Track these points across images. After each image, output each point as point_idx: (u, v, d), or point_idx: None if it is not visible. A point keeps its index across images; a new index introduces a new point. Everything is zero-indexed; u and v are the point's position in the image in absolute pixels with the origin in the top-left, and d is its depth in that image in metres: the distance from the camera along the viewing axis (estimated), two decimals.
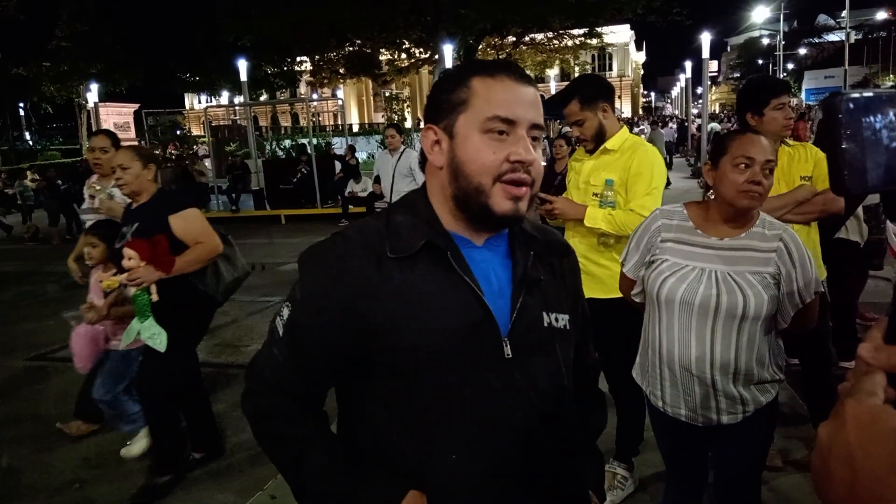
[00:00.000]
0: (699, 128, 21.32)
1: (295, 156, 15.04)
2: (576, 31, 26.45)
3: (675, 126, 25.38)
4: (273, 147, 17.26)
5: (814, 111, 19.19)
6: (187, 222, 3.24)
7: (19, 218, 15.43)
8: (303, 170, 13.81)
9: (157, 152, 17.60)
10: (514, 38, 25.90)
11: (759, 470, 2.12)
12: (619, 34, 55.54)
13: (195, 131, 32.24)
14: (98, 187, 4.19)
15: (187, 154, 17.05)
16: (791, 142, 2.97)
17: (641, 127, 27.99)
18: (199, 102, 48.94)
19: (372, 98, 57.47)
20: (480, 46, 24.40)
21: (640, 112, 67.71)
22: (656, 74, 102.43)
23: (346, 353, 1.10)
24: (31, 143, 38.96)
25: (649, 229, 2.04)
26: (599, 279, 2.80)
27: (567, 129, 17.14)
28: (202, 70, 31.23)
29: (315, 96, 33.08)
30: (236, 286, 3.74)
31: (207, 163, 16.10)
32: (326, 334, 1.10)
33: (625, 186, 2.78)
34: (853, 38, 44.28)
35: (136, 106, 24.21)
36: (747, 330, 1.88)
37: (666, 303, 1.94)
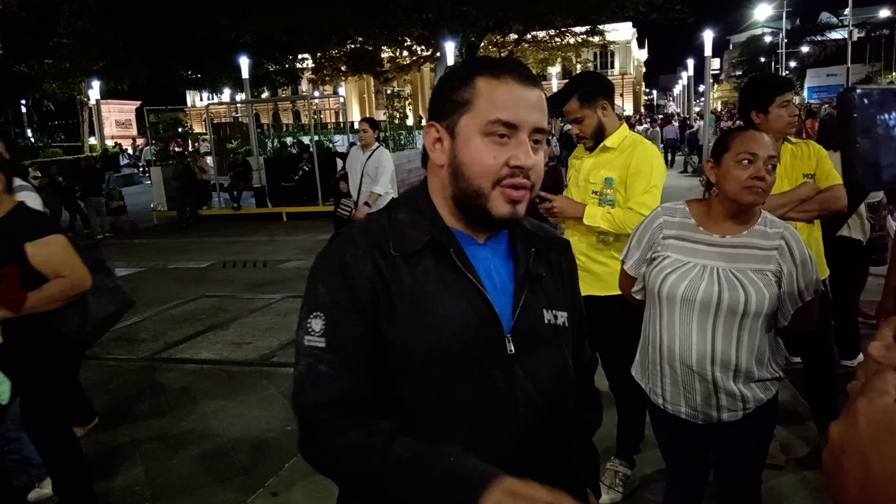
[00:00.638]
0: (695, 131, 21.31)
1: (296, 153, 15.02)
2: (578, 29, 26.41)
3: (676, 124, 25.33)
4: (275, 144, 17.22)
5: (823, 109, 19.17)
6: (47, 251, 2.71)
7: None
8: (304, 167, 13.81)
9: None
10: (515, 36, 25.86)
11: (760, 467, 2.13)
12: (621, 32, 55.39)
13: (197, 128, 32.26)
14: None
15: (189, 151, 17.03)
16: (794, 139, 2.96)
17: (645, 125, 27.93)
18: (201, 100, 48.94)
19: (374, 95, 57.45)
20: (482, 44, 24.37)
21: (643, 110, 67.65)
22: (658, 72, 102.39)
23: (375, 346, 1.09)
24: (32, 140, 38.93)
25: (651, 226, 2.04)
26: (599, 276, 2.80)
27: (568, 126, 17.15)
28: (204, 67, 31.21)
29: (317, 94, 33.08)
30: (113, 322, 3.29)
31: (209, 160, 16.09)
32: (364, 323, 1.08)
33: (624, 184, 2.78)
34: (856, 35, 44.15)
35: (138, 103, 24.27)
36: (748, 327, 1.88)
37: (667, 300, 1.94)
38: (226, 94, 34.30)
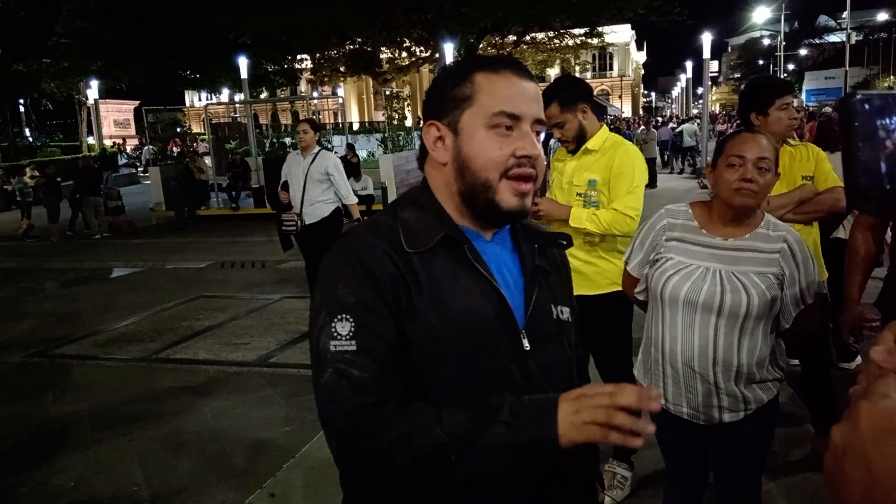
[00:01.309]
0: (679, 132, 21.30)
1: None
2: (576, 31, 26.43)
3: (675, 125, 25.36)
4: (276, 143, 17.21)
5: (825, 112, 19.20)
6: None
7: (18, 214, 15.43)
8: None
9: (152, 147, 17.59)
10: (514, 37, 25.87)
11: (760, 468, 2.13)
12: (619, 34, 55.54)
13: (195, 129, 32.24)
14: None
15: (187, 151, 17.01)
16: (793, 141, 2.97)
17: (642, 127, 27.96)
18: (200, 100, 48.89)
19: (372, 96, 57.48)
20: (481, 45, 24.38)
21: (641, 112, 67.68)
22: (657, 74, 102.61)
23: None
24: (30, 139, 38.89)
25: (654, 228, 2.05)
26: (587, 276, 2.83)
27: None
28: (203, 67, 31.19)
29: (315, 94, 33.08)
30: None
31: (207, 160, 16.08)
32: (391, 316, 1.05)
33: (607, 185, 2.81)
34: (854, 39, 44.27)
35: (137, 103, 24.23)
36: (750, 329, 1.89)
37: (670, 301, 1.95)
38: (224, 95, 34.27)
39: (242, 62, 17.32)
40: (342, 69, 27.82)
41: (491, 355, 1.08)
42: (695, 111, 32.75)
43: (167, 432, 4.02)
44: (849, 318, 2.54)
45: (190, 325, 6.33)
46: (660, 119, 33.58)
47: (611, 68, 69.30)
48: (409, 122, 22.84)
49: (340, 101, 24.48)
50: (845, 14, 37.82)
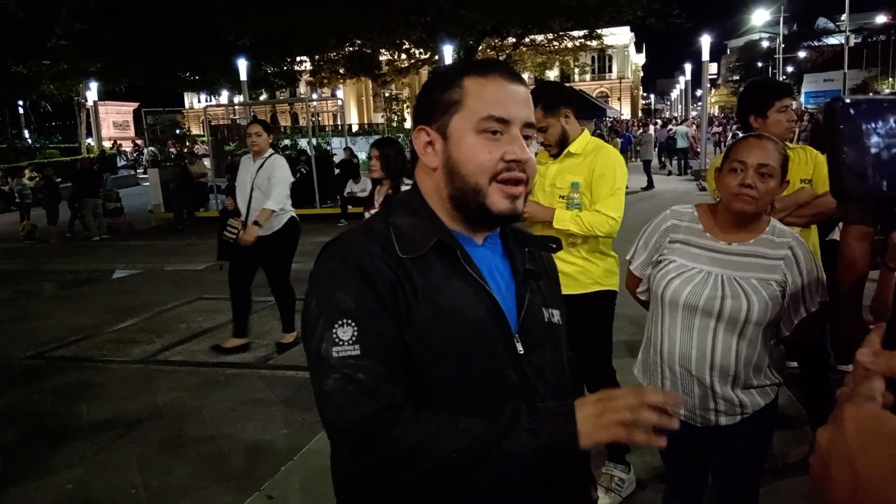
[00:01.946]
0: (672, 134, 21.33)
1: (294, 157, 15.00)
2: (576, 33, 26.44)
3: (671, 127, 25.40)
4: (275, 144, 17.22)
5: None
6: None
7: (17, 216, 15.42)
8: (302, 170, 13.80)
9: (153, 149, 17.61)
10: (513, 40, 25.89)
11: (759, 470, 2.13)
12: (618, 36, 55.50)
13: (194, 130, 32.22)
14: None
15: (185, 153, 16.99)
16: (791, 144, 2.97)
17: (639, 129, 28.00)
18: (199, 102, 48.87)
19: (371, 98, 57.42)
20: (480, 47, 24.40)
21: (640, 114, 67.73)
22: (656, 77, 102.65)
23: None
24: (29, 141, 38.87)
25: (659, 229, 2.05)
26: (570, 276, 2.86)
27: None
28: (202, 69, 31.18)
29: (315, 96, 33.06)
30: None
31: (207, 162, 16.07)
32: (395, 323, 1.04)
33: (590, 188, 2.88)
34: (852, 41, 44.35)
35: (136, 105, 24.21)
36: (748, 335, 1.88)
37: (670, 303, 1.95)
38: (224, 97, 34.27)
39: (242, 64, 17.33)
40: (341, 71, 27.81)
41: (487, 359, 1.08)
42: (693, 113, 32.75)
43: (166, 434, 4.02)
44: (848, 334, 2.51)
45: (189, 327, 6.33)
46: (659, 121, 33.58)
47: (610, 70, 69.32)
48: (408, 124, 22.83)
49: (340, 102, 24.52)
50: (844, 16, 37.89)
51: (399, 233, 1.10)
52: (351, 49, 26.08)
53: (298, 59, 29.95)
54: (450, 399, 1.06)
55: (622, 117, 48.22)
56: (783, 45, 45.65)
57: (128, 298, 7.63)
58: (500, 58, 21.10)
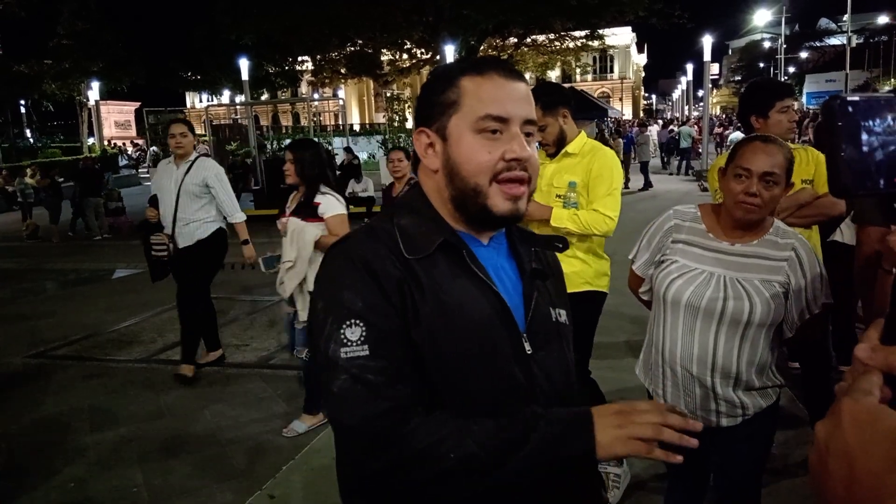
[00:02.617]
0: (674, 134, 21.33)
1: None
2: (577, 33, 26.43)
3: (674, 128, 25.41)
4: (274, 146, 17.22)
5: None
6: None
7: (19, 215, 15.44)
8: None
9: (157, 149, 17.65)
10: (515, 40, 25.89)
11: (760, 472, 2.12)
12: (620, 36, 55.54)
13: (196, 130, 32.20)
14: None
15: None
16: (792, 145, 2.97)
17: (636, 129, 28.02)
18: (201, 101, 48.95)
19: (373, 98, 57.48)
20: (482, 47, 24.40)
21: (641, 115, 67.68)
22: (657, 77, 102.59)
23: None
24: (31, 140, 38.94)
25: (662, 228, 2.04)
26: (565, 275, 2.86)
27: None
28: (203, 69, 31.21)
29: (316, 96, 33.09)
30: None
31: None
32: (402, 320, 1.03)
33: (586, 188, 2.92)
34: (854, 41, 44.34)
35: (138, 104, 24.24)
36: (751, 336, 1.87)
37: (672, 304, 1.94)
38: (225, 96, 34.31)
39: (243, 63, 17.35)
40: (343, 71, 27.83)
41: (494, 358, 1.08)
42: (695, 113, 32.74)
43: (167, 433, 4.02)
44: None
45: None
46: (660, 122, 33.59)
47: (611, 70, 69.34)
48: (409, 124, 22.82)
49: (341, 102, 24.52)
50: (846, 17, 37.83)
51: (404, 233, 1.09)
52: (352, 49, 26.09)
53: (300, 58, 29.98)
54: (457, 398, 1.05)
55: (623, 118, 48.20)
56: (785, 46, 45.59)
57: (129, 298, 7.63)
58: (502, 57, 21.11)
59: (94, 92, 25.01)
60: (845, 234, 4.13)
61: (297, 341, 3.90)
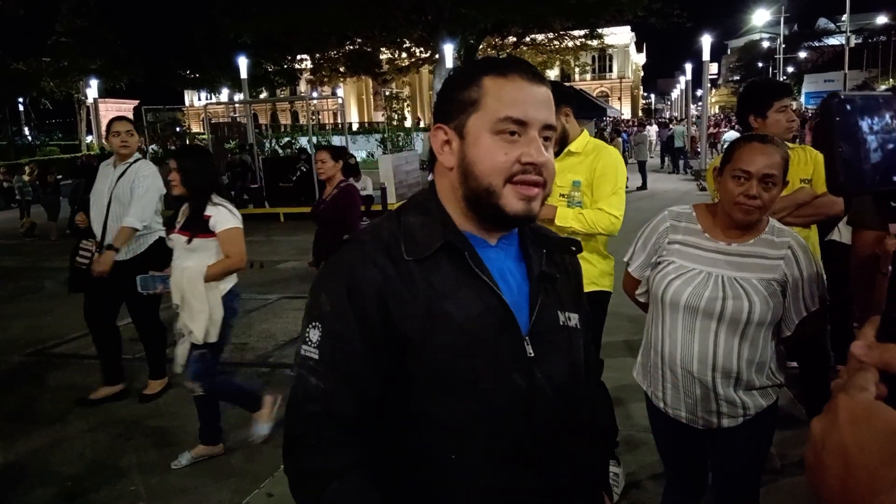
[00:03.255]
0: (671, 134, 21.37)
1: (295, 154, 15.01)
2: (576, 32, 26.49)
3: (672, 127, 25.45)
4: (272, 145, 17.22)
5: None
6: None
7: (17, 213, 15.42)
8: (302, 168, 13.81)
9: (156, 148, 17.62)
10: (514, 39, 25.93)
11: (759, 472, 2.12)
12: (619, 35, 55.62)
13: (195, 128, 32.22)
14: None
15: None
16: (790, 144, 2.97)
17: (637, 130, 28.07)
18: (199, 99, 48.93)
19: (372, 97, 57.48)
20: (481, 46, 24.42)
21: (640, 114, 67.73)
22: (656, 76, 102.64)
23: (384, 352, 1.05)
24: (29, 138, 38.89)
25: (657, 230, 2.03)
26: None
27: None
28: (202, 67, 31.22)
29: (315, 94, 33.08)
30: None
31: None
32: (368, 333, 1.04)
33: (591, 187, 2.89)
34: (853, 41, 44.39)
35: (136, 102, 24.20)
36: (750, 336, 1.87)
37: (670, 305, 1.94)
38: (224, 95, 34.29)
39: (242, 62, 17.33)
40: (342, 69, 27.86)
41: (491, 362, 1.07)
42: (694, 113, 32.78)
43: (165, 431, 4.02)
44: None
45: None
46: (660, 120, 33.64)
47: (610, 70, 69.39)
48: (408, 123, 22.84)
49: (340, 101, 24.51)
50: (845, 17, 37.88)
51: (409, 233, 1.10)
52: (351, 47, 26.12)
53: (299, 57, 30.00)
54: (454, 400, 1.06)
55: (622, 117, 48.23)
56: (784, 46, 45.67)
57: None
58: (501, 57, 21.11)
59: (92, 90, 24.96)
60: (843, 233, 4.13)
61: (191, 371, 3.47)
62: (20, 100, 37.92)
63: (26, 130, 41.07)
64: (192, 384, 3.50)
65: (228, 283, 3.51)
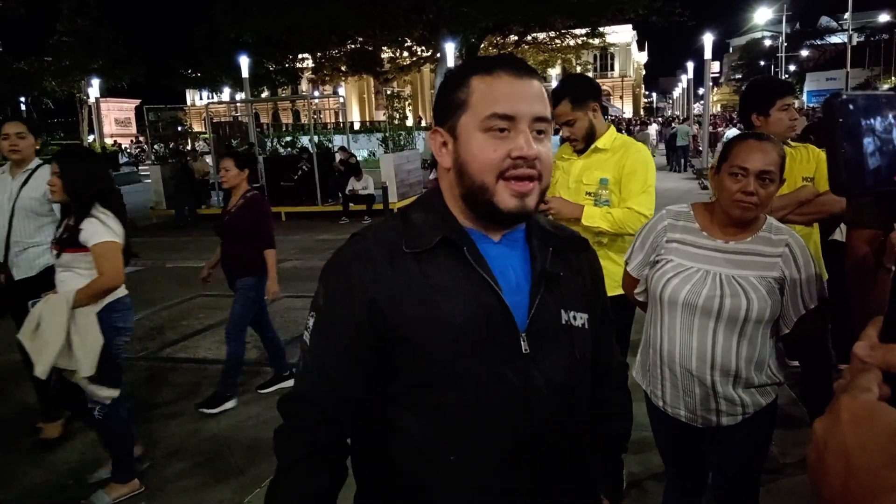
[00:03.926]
0: (674, 133, 21.34)
1: (297, 154, 15.00)
2: (578, 31, 26.48)
3: (676, 126, 25.45)
4: (274, 144, 17.22)
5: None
6: None
7: None
8: (303, 167, 13.82)
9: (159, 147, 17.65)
10: (515, 37, 25.92)
11: (758, 471, 2.12)
12: (621, 34, 55.55)
13: (196, 127, 32.28)
14: None
15: (183, 150, 16.96)
16: (793, 143, 2.97)
17: (639, 129, 28.08)
18: (201, 98, 48.97)
19: (373, 96, 57.50)
20: (482, 45, 24.42)
21: (642, 113, 67.70)
22: (658, 75, 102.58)
23: (372, 350, 1.10)
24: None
25: (655, 229, 2.04)
26: None
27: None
28: (203, 67, 31.25)
29: (316, 93, 33.10)
30: None
31: (208, 159, 16.09)
32: (353, 332, 1.09)
33: (618, 185, 2.78)
34: (855, 40, 44.25)
35: (138, 101, 24.24)
36: (749, 333, 1.88)
37: (669, 303, 1.94)
38: (225, 94, 34.32)
39: (243, 61, 17.34)
40: (343, 68, 27.89)
41: (484, 356, 1.08)
42: (696, 111, 32.78)
43: (166, 431, 4.02)
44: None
45: (190, 324, 6.34)
46: (661, 119, 33.63)
47: (612, 68, 69.33)
48: (409, 122, 22.84)
49: (341, 100, 24.56)
50: (847, 15, 37.81)
51: (411, 228, 1.12)
52: (352, 46, 26.14)
53: (300, 56, 30.02)
54: (448, 394, 1.07)
55: (624, 115, 48.20)
56: (786, 44, 45.60)
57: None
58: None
59: (94, 89, 25.01)
60: (846, 232, 4.12)
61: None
62: (22, 99, 37.97)
63: None
64: (94, 405, 3.18)
65: (107, 298, 3.14)
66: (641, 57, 79.02)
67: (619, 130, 3.03)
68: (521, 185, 1.07)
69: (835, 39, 49.94)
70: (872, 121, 0.62)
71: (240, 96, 27.53)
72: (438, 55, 21.74)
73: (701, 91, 24.94)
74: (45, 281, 3.52)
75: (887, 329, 0.59)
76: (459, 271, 1.09)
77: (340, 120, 27.51)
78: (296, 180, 13.85)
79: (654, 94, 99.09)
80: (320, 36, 23.55)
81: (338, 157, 14.33)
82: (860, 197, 0.66)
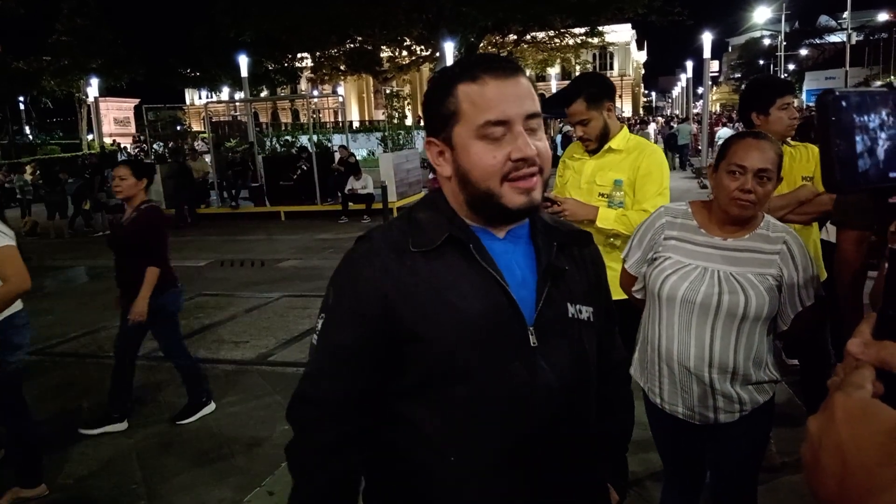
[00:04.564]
0: (674, 132, 21.33)
1: (296, 153, 14.99)
2: (577, 30, 26.45)
3: (675, 125, 25.42)
4: (273, 143, 17.20)
5: None
6: None
7: (17, 212, 15.43)
8: (302, 167, 13.81)
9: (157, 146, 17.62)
10: (515, 37, 25.89)
11: (756, 468, 2.13)
12: (620, 33, 55.49)
13: (195, 126, 32.23)
14: None
15: (182, 149, 16.92)
16: (793, 142, 2.97)
17: (639, 128, 28.05)
18: (200, 98, 48.91)
19: (373, 95, 57.46)
20: (481, 44, 24.40)
21: (641, 112, 67.68)
22: (657, 74, 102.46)
23: (382, 346, 1.11)
24: (30, 137, 38.91)
25: (653, 226, 2.04)
26: (609, 280, 2.76)
27: (568, 127, 17.06)
28: (202, 66, 31.20)
29: (316, 93, 33.04)
30: None
31: (207, 158, 16.08)
32: (363, 326, 1.11)
33: (633, 186, 2.73)
34: (854, 39, 44.30)
35: (137, 101, 24.21)
36: (747, 330, 1.88)
37: (667, 300, 1.94)
38: (225, 93, 34.28)
39: (243, 61, 17.32)
40: (342, 68, 27.86)
41: (494, 351, 1.09)
42: (695, 110, 32.76)
43: (166, 430, 4.03)
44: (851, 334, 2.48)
45: (189, 324, 6.33)
46: (660, 119, 33.61)
47: (611, 68, 69.22)
48: (409, 121, 22.83)
49: (341, 99, 24.52)
50: (846, 14, 37.83)
51: (417, 227, 1.14)
52: (352, 46, 26.12)
53: (299, 55, 29.99)
54: (458, 388, 1.09)
55: (623, 114, 48.19)
56: (785, 43, 45.54)
57: None
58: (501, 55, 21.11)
59: (93, 89, 24.97)
60: (831, 232, 4.12)
61: None
62: (21, 99, 37.91)
63: (27, 129, 41.07)
64: None
65: (8, 311, 3.04)
66: (641, 56, 78.94)
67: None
68: (525, 182, 1.09)
69: (834, 38, 49.90)
70: (865, 118, 0.62)
71: (239, 95, 27.50)
72: (438, 54, 21.72)
73: (700, 90, 24.93)
74: None
75: (881, 326, 0.59)
76: (467, 268, 1.11)
77: (339, 119, 27.47)
78: (295, 179, 13.84)
79: (654, 94, 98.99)
80: (320, 35, 23.54)
81: (337, 156, 14.32)
82: (854, 194, 0.65)
